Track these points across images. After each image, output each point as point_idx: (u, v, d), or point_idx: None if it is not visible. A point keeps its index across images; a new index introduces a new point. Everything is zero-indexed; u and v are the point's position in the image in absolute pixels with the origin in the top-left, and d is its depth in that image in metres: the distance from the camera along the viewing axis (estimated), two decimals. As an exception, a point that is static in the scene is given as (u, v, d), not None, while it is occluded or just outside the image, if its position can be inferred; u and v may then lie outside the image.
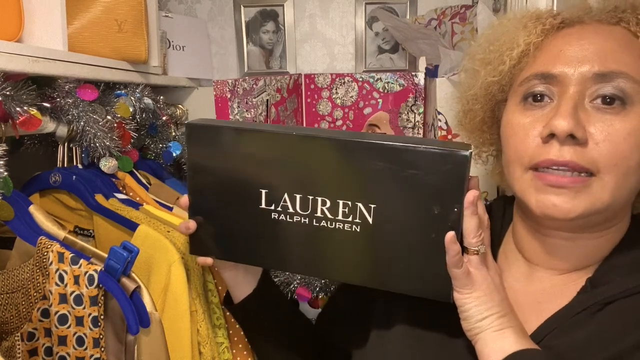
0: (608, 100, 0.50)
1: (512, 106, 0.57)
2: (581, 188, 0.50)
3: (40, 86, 0.73)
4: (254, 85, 1.03)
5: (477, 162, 0.71)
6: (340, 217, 0.56)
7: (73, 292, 0.64)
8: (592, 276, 0.56)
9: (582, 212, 0.50)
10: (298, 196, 0.57)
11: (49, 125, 0.75)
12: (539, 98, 0.54)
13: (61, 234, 0.69)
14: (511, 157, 0.56)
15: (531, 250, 0.60)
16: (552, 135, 0.50)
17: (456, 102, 0.69)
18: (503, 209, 0.67)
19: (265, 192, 0.59)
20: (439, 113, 0.95)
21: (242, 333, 0.84)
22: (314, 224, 0.58)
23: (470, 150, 0.50)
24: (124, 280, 0.64)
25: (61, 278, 0.64)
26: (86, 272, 0.63)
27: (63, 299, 0.64)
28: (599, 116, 0.50)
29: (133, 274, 0.65)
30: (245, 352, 0.84)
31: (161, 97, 1.03)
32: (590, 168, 0.49)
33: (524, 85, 0.55)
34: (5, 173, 0.62)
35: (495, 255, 0.63)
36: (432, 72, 1.09)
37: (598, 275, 0.55)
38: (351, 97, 1.22)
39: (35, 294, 0.66)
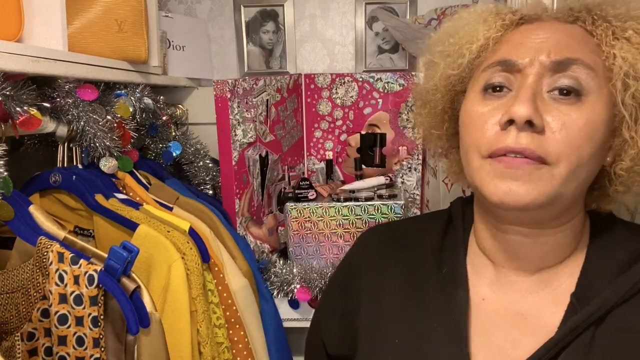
0: (565, 92, 0.51)
1: (471, 95, 0.58)
2: (534, 172, 0.50)
3: (40, 86, 0.73)
4: (254, 85, 1.03)
5: (441, 160, 0.72)
6: None
7: (73, 292, 0.64)
8: (576, 290, 0.56)
9: (534, 197, 0.51)
10: None
11: (49, 125, 0.75)
12: (498, 89, 0.55)
13: (61, 234, 0.69)
14: (469, 146, 0.56)
15: (494, 250, 0.61)
16: (510, 122, 0.51)
17: (414, 96, 0.69)
18: (462, 213, 0.67)
19: None
20: (439, 113, 0.95)
21: (242, 333, 0.84)
22: None
23: None
24: (124, 280, 0.64)
25: (61, 278, 0.64)
26: (86, 272, 0.63)
27: (63, 299, 0.64)
28: (555, 106, 0.51)
29: (133, 274, 0.65)
30: (245, 352, 0.84)
31: (161, 97, 1.03)
32: (545, 157, 0.50)
33: (486, 72, 0.56)
34: (5, 173, 0.62)
35: (462, 264, 0.63)
36: (432, 72, 1.08)
37: (581, 289, 0.56)
38: (351, 97, 1.22)
39: (35, 294, 0.66)
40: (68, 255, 0.64)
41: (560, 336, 0.53)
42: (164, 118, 1.05)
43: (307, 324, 0.84)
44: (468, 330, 0.58)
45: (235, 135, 0.98)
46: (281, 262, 1.06)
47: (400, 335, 0.61)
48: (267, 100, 1.09)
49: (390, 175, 1.14)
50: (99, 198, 0.80)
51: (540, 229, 0.56)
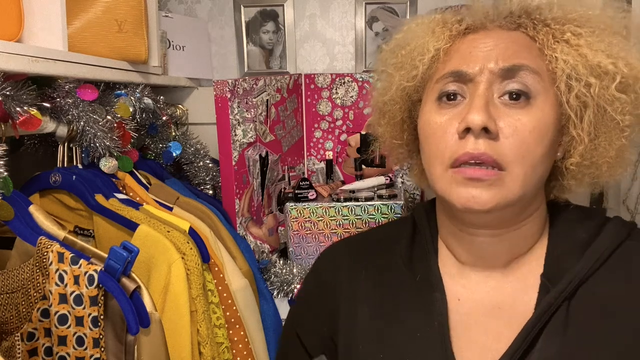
0: (514, 96, 0.55)
1: (428, 105, 0.60)
2: (495, 181, 0.53)
3: (40, 86, 0.73)
4: (254, 85, 1.03)
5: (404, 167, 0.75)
6: None
7: (73, 292, 0.64)
8: (544, 271, 0.59)
9: (497, 202, 0.54)
10: None
11: (49, 125, 0.75)
12: (452, 97, 0.57)
13: (61, 234, 0.69)
14: (432, 156, 0.58)
15: (463, 253, 0.63)
16: (467, 130, 0.54)
17: (372, 106, 0.72)
18: (426, 218, 0.69)
19: None
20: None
21: (242, 333, 0.84)
22: None
23: None
24: (124, 280, 0.64)
25: (61, 278, 0.64)
26: (86, 272, 0.63)
27: (63, 299, 0.64)
28: (506, 110, 0.54)
29: (133, 274, 0.65)
30: (245, 352, 0.84)
31: (161, 97, 1.03)
32: (501, 162, 0.53)
33: (440, 83, 0.59)
34: (5, 173, 0.62)
35: (435, 268, 0.64)
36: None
37: (549, 269, 0.59)
38: (351, 97, 1.22)
39: (35, 294, 0.66)
40: (68, 255, 0.64)
41: (537, 317, 0.55)
42: (164, 118, 1.05)
43: (307, 324, 0.84)
44: (449, 333, 0.59)
45: (235, 135, 0.98)
46: (281, 262, 1.06)
47: (382, 350, 0.61)
48: (267, 100, 1.09)
49: (390, 175, 1.14)
50: (99, 198, 0.79)
51: (505, 228, 0.59)
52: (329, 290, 0.70)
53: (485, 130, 0.53)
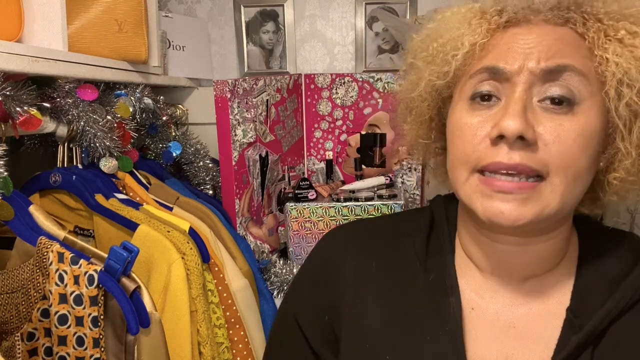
0: (557, 101, 0.49)
1: (459, 104, 0.55)
2: (530, 194, 0.48)
3: (40, 86, 0.73)
4: (254, 85, 1.03)
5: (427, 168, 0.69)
6: None
7: (73, 292, 0.64)
8: (571, 305, 0.55)
9: (531, 219, 0.49)
10: None
11: (49, 125, 0.75)
12: (486, 98, 0.52)
13: (61, 234, 0.69)
14: (458, 158, 0.53)
15: (481, 259, 0.58)
16: (501, 137, 0.49)
17: (398, 100, 0.66)
18: (445, 213, 0.64)
19: None
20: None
21: (242, 333, 0.84)
22: None
23: None
24: (124, 280, 0.64)
25: (61, 278, 0.64)
26: (86, 272, 0.63)
27: (63, 299, 0.64)
28: (548, 116, 0.49)
29: (133, 274, 0.65)
30: (245, 352, 0.84)
31: (161, 97, 1.03)
32: (540, 170, 0.48)
33: (473, 79, 0.53)
34: (5, 173, 0.62)
35: (452, 270, 0.60)
36: (432, 72, 1.08)
37: (576, 304, 0.54)
38: (351, 97, 1.22)
39: (35, 294, 0.66)
40: (68, 255, 0.64)
41: (564, 357, 0.51)
42: (164, 118, 1.05)
43: (307, 324, 0.84)
44: (464, 343, 0.55)
45: (235, 135, 0.98)
46: (281, 262, 1.06)
47: (389, 350, 0.57)
48: (267, 100, 1.09)
49: (390, 175, 1.14)
50: (99, 198, 0.80)
51: (531, 237, 0.55)
52: (334, 277, 0.64)
53: (521, 138, 0.47)
